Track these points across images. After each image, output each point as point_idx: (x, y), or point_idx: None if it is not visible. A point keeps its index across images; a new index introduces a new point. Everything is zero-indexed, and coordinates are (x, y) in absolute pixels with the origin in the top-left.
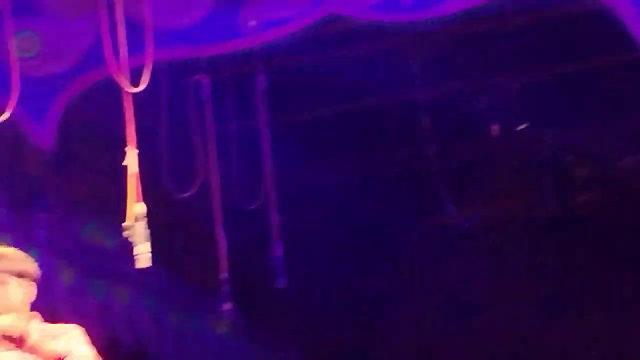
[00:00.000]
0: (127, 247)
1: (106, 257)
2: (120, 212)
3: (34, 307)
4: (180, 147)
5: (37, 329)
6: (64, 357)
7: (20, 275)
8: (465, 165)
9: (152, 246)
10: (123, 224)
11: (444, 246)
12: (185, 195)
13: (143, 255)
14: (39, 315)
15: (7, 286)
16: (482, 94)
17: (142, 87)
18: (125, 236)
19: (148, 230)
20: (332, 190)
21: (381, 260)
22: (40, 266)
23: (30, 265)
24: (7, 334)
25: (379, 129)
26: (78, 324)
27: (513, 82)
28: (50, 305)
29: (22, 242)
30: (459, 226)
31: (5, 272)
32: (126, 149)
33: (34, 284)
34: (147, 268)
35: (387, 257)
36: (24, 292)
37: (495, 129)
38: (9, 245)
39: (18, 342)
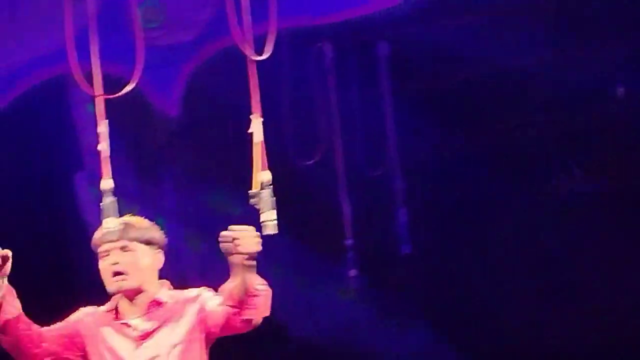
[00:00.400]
0: (253, 215)
1: (232, 224)
2: (245, 180)
3: (163, 275)
4: (304, 114)
5: (167, 294)
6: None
7: (148, 242)
8: (583, 131)
9: (278, 214)
10: (249, 192)
11: (558, 214)
12: (309, 162)
13: (269, 222)
14: (168, 283)
15: (136, 253)
16: (601, 58)
17: (266, 55)
18: (251, 204)
19: (274, 198)
20: (453, 156)
21: (500, 226)
22: (168, 234)
23: (157, 233)
24: None
25: (498, 96)
26: None
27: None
28: (178, 273)
29: (149, 211)
30: (574, 194)
31: (133, 240)
32: (251, 117)
33: (161, 251)
34: (273, 235)
35: (505, 223)
36: (152, 259)
37: (620, 90)
38: (136, 214)
39: None
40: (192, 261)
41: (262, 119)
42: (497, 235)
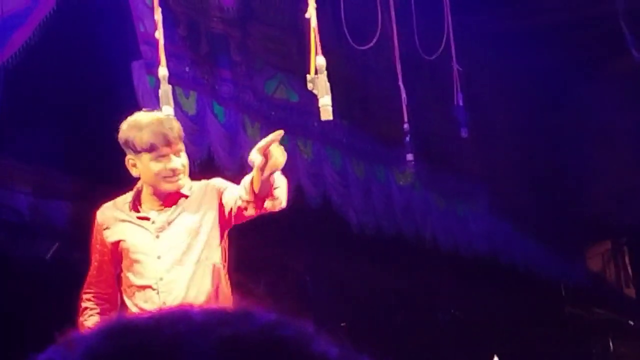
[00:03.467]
0: (310, 100)
1: (289, 110)
2: (302, 66)
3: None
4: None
5: (188, 186)
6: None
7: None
8: None
9: (333, 99)
10: (307, 77)
11: (628, 91)
12: (366, 47)
13: (325, 107)
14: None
15: (185, 154)
16: None
17: None
18: (308, 89)
19: (328, 84)
20: (512, 38)
21: (561, 106)
22: (226, 121)
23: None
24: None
25: None
26: None
27: None
28: (237, 162)
29: (206, 98)
30: None
31: (180, 141)
32: (308, 1)
33: None
34: (330, 121)
35: (567, 103)
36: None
37: None
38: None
39: None
40: (250, 148)
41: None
42: (555, 115)
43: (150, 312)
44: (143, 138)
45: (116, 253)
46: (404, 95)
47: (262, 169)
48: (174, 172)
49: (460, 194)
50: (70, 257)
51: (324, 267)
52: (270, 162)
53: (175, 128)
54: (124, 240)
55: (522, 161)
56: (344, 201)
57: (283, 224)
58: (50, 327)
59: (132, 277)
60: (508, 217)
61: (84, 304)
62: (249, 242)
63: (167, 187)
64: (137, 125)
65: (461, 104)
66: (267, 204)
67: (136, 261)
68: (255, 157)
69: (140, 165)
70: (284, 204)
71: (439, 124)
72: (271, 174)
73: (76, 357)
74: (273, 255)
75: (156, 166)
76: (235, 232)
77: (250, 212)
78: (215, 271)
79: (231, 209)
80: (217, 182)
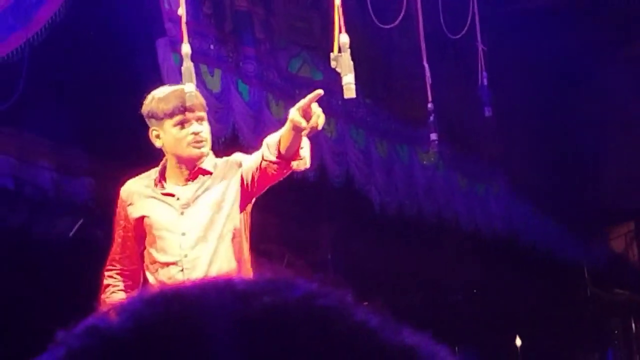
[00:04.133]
0: (334, 79)
1: (313, 89)
2: (325, 44)
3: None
4: None
5: (212, 163)
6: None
7: (206, 112)
8: None
9: (357, 77)
10: (330, 54)
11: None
12: (390, 26)
13: (349, 85)
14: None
15: (207, 123)
16: None
17: None
18: (332, 67)
19: (351, 62)
20: (536, 18)
21: (580, 88)
22: (251, 99)
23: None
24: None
25: None
26: None
27: None
28: (259, 138)
29: (231, 76)
30: None
31: (203, 110)
32: None
33: None
34: (354, 99)
35: (587, 86)
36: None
37: None
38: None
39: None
40: (274, 126)
41: None
42: (575, 98)
43: (193, 280)
44: (165, 105)
45: (140, 229)
46: (428, 74)
47: (295, 129)
48: (197, 137)
49: (480, 174)
50: (94, 234)
51: (345, 245)
52: (312, 121)
53: (197, 95)
54: (148, 217)
55: (542, 142)
56: (367, 180)
57: (306, 202)
58: (73, 304)
59: (155, 254)
60: (528, 198)
61: (106, 281)
62: (272, 219)
63: (192, 152)
64: (159, 95)
65: (485, 83)
66: (293, 164)
67: (160, 238)
68: (295, 115)
69: (163, 135)
70: (308, 164)
71: (463, 103)
72: (311, 132)
73: (120, 323)
74: (295, 232)
75: (179, 132)
76: (258, 209)
77: (274, 172)
78: (236, 244)
79: (253, 175)
80: (237, 156)
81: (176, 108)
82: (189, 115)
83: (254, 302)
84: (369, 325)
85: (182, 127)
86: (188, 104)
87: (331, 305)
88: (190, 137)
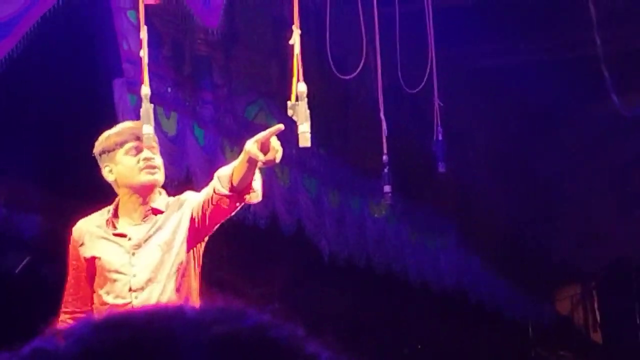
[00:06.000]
0: (289, 128)
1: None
2: (283, 92)
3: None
4: (344, 28)
5: (164, 202)
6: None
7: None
8: (635, 51)
9: (313, 127)
10: (287, 103)
11: (606, 133)
12: (349, 77)
13: (304, 134)
14: (164, 191)
15: (160, 156)
16: None
17: None
18: (288, 115)
19: (308, 111)
20: (495, 74)
21: (544, 143)
22: (206, 144)
23: None
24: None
25: (544, 14)
26: None
27: None
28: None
29: (187, 120)
30: (623, 114)
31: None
32: (292, 27)
33: None
34: (308, 148)
35: (550, 141)
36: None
37: None
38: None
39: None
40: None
41: (300, 31)
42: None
43: (144, 307)
44: (117, 137)
45: (92, 269)
46: (384, 126)
47: (250, 161)
48: (149, 162)
49: (432, 228)
50: (41, 272)
51: (293, 294)
52: (269, 155)
53: (155, 138)
54: (99, 258)
55: (495, 199)
56: (318, 230)
57: (256, 249)
58: (19, 342)
59: (105, 296)
60: (478, 254)
61: (59, 326)
62: (220, 265)
63: (145, 179)
64: (112, 132)
65: (440, 138)
66: (246, 197)
67: (110, 280)
68: (252, 147)
69: (114, 167)
70: (260, 197)
71: (418, 157)
72: (265, 166)
73: (67, 347)
74: (243, 279)
75: (131, 159)
76: (206, 254)
77: (226, 206)
78: (185, 282)
79: (204, 210)
80: (188, 193)
81: (129, 137)
82: (138, 143)
83: (205, 331)
84: (319, 359)
85: (134, 155)
86: (138, 135)
87: (283, 337)
88: (142, 163)
